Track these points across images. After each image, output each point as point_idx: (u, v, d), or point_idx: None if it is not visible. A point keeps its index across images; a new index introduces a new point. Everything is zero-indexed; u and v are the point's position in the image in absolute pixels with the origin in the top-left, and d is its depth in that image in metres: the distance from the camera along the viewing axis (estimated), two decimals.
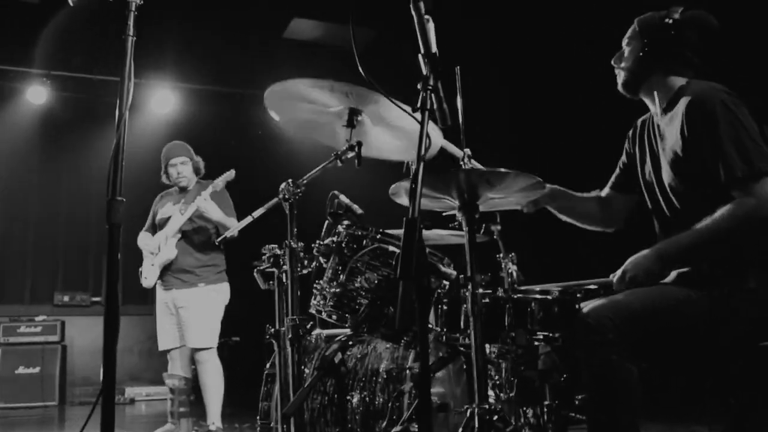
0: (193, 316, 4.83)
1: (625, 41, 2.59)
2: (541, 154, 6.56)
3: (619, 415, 2.10)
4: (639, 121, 2.70)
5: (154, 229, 5.15)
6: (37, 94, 8.29)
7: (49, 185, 9.17)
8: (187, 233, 4.95)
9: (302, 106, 2.57)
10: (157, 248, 4.97)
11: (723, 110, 2.25)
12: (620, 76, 2.60)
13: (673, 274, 2.37)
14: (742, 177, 2.17)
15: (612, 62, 2.63)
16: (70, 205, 9.24)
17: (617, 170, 2.79)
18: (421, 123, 1.68)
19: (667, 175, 2.44)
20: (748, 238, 2.22)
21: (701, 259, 2.27)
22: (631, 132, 2.73)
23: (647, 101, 2.59)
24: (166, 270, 4.94)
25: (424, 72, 1.79)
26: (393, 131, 2.67)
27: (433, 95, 1.76)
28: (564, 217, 2.81)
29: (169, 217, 4.98)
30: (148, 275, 4.99)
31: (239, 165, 5.29)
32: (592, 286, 2.85)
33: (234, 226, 4.35)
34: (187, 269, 4.90)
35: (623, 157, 2.77)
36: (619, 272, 2.33)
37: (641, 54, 2.49)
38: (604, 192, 2.83)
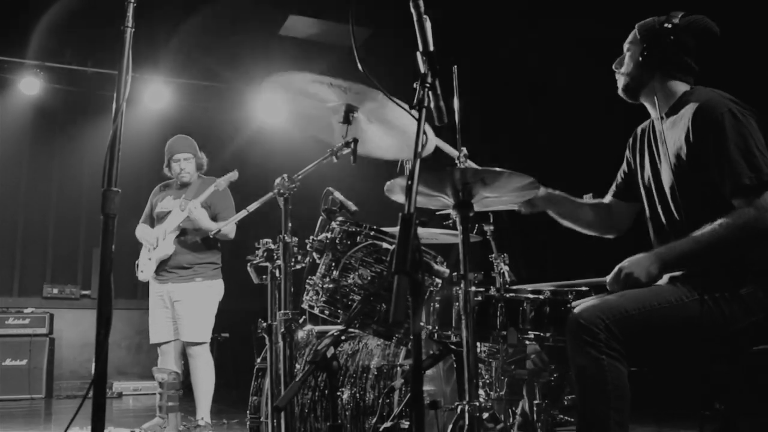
0: (188, 310, 4.84)
1: (626, 46, 2.60)
2: (538, 153, 6.59)
3: (608, 416, 2.11)
4: (639, 129, 2.71)
5: (152, 220, 5.13)
6: (30, 85, 8.25)
7: (40, 177, 9.14)
8: (186, 230, 4.94)
9: (300, 100, 2.58)
10: (155, 243, 4.97)
11: (731, 118, 2.25)
12: (620, 81, 2.61)
13: (666, 277, 2.38)
14: (750, 185, 2.18)
15: (613, 67, 2.64)
16: (61, 198, 9.22)
17: (618, 178, 2.79)
18: (419, 120, 1.68)
19: (667, 180, 2.45)
20: (745, 248, 2.23)
21: (698, 265, 2.28)
22: (631, 140, 2.74)
23: (648, 106, 2.60)
24: (163, 264, 4.94)
25: (422, 70, 1.80)
26: (388, 130, 2.68)
27: (430, 93, 1.77)
28: (565, 222, 2.79)
29: (168, 212, 4.97)
30: (145, 269, 4.99)
31: (234, 160, 5.30)
32: (583, 288, 2.88)
33: (230, 220, 4.35)
34: (184, 265, 4.91)
35: (624, 166, 2.77)
36: (615, 270, 2.32)
37: (640, 59, 2.50)
38: (607, 199, 2.82)
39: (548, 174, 3.05)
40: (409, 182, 1.56)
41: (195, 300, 4.86)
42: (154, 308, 5.00)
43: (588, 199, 2.91)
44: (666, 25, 2.44)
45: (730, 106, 2.29)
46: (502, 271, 3.68)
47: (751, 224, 2.17)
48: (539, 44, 6.47)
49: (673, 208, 2.42)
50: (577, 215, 2.78)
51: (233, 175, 4.95)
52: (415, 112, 1.74)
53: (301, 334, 3.15)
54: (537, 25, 6.46)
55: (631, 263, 2.29)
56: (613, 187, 2.81)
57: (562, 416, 2.93)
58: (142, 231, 5.10)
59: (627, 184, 2.74)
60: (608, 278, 2.34)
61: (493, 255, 3.66)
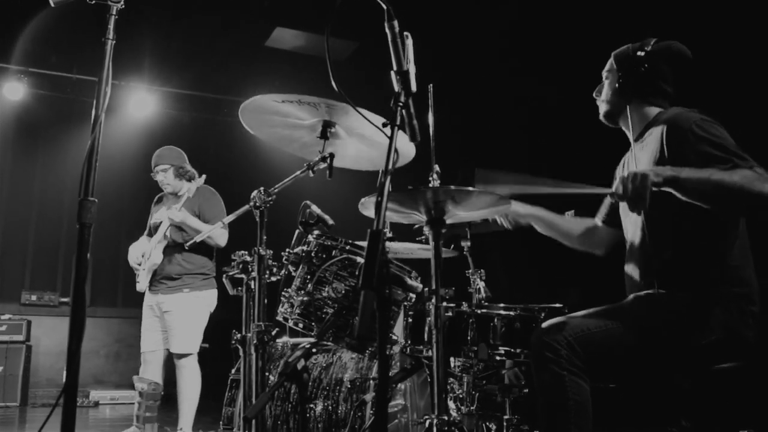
0: (176, 320, 4.84)
1: (604, 74, 2.69)
2: (517, 165, 6.63)
3: (569, 431, 2.14)
4: (624, 158, 2.78)
5: (151, 232, 5.15)
6: (13, 91, 8.22)
7: (21, 182, 9.08)
8: (174, 240, 4.94)
9: (276, 120, 2.61)
10: (143, 254, 5.00)
11: (705, 125, 2.30)
12: (601, 108, 2.70)
13: (631, 296, 2.44)
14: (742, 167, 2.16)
15: (593, 95, 2.74)
16: (42, 204, 9.16)
17: (606, 205, 2.85)
18: (391, 137, 1.72)
19: None
20: (740, 202, 2.18)
21: (699, 199, 2.20)
22: (618, 167, 2.81)
23: (625, 130, 2.68)
24: (155, 274, 4.96)
25: (396, 88, 1.84)
26: (368, 142, 2.72)
27: (403, 111, 1.81)
28: (548, 234, 2.89)
29: (161, 223, 4.99)
30: (141, 279, 5.00)
31: (214, 171, 5.31)
32: (556, 305, 2.92)
33: (204, 232, 4.38)
34: (173, 275, 4.91)
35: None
36: (622, 176, 2.21)
37: (617, 86, 2.59)
38: (595, 221, 2.89)
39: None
40: (379, 198, 1.59)
41: (183, 311, 4.85)
42: (145, 317, 5.04)
43: (569, 215, 2.96)
44: (639, 53, 2.51)
45: (701, 116, 2.35)
46: (478, 287, 3.70)
47: (756, 178, 2.11)
48: (519, 60, 6.55)
49: (643, 224, 2.47)
50: (563, 230, 2.87)
51: (199, 180, 4.98)
52: (387, 130, 1.78)
53: (276, 346, 3.17)
54: (518, 44, 6.53)
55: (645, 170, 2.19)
56: (603, 213, 2.87)
57: None
58: (130, 251, 5.12)
59: (611, 210, 2.80)
60: (615, 185, 2.23)
61: (470, 271, 3.69)
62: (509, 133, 7.00)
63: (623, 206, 2.65)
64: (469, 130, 7.08)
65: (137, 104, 8.59)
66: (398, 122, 1.79)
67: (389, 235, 2.75)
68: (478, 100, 7.15)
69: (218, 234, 4.84)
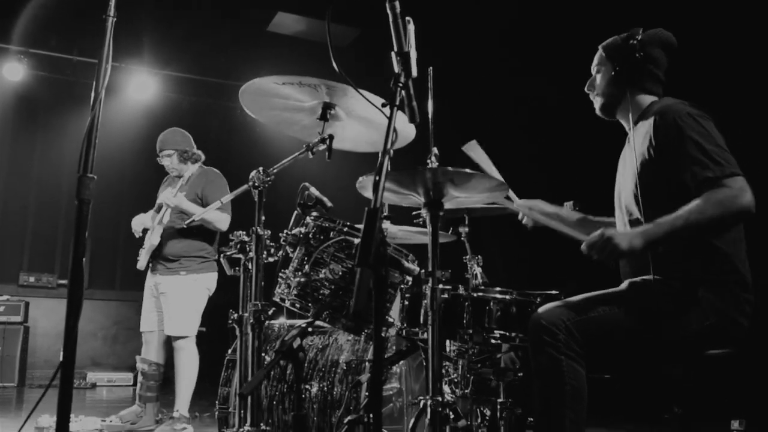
0: (171, 303, 4.86)
1: (594, 68, 2.68)
2: (517, 159, 6.65)
3: (564, 414, 2.16)
4: (624, 151, 2.78)
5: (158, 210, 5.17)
6: (13, 71, 8.19)
7: (20, 164, 9.06)
8: (173, 221, 4.95)
9: (277, 103, 2.61)
10: (140, 230, 5.06)
11: (690, 120, 2.32)
12: (597, 102, 2.69)
13: (626, 283, 2.45)
14: (714, 177, 2.20)
15: (586, 89, 2.72)
16: (41, 186, 9.14)
17: None
18: (389, 117, 1.73)
19: (631, 184, 2.51)
20: (726, 225, 2.26)
21: (683, 241, 2.27)
22: (619, 165, 2.80)
23: (622, 122, 2.67)
24: (154, 255, 4.99)
25: (396, 70, 1.84)
26: (367, 124, 2.73)
27: (403, 92, 1.82)
28: (567, 232, 2.84)
29: (162, 205, 5.01)
30: (141, 258, 5.03)
31: (214, 155, 5.31)
32: (552, 291, 2.93)
33: (199, 212, 4.40)
34: (171, 257, 4.93)
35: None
36: (598, 233, 2.22)
37: (613, 76, 2.58)
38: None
39: (526, 180, 3.11)
40: (377, 178, 1.60)
41: (178, 293, 4.87)
42: (145, 297, 5.08)
43: (569, 206, 2.95)
44: (632, 41, 2.51)
45: (689, 110, 2.36)
46: (475, 272, 3.71)
47: (728, 200, 2.16)
48: (520, 53, 6.55)
49: (636, 210, 2.47)
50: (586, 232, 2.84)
51: (193, 168, 5.08)
52: (387, 111, 1.78)
53: (273, 327, 3.19)
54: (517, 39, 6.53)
55: (616, 232, 2.22)
56: None
57: (531, 419, 2.97)
58: (137, 216, 5.15)
59: None
60: (587, 239, 2.25)
61: (467, 257, 3.70)
62: (509, 126, 7.00)
63: (616, 196, 2.66)
64: (469, 120, 7.08)
65: (138, 87, 8.58)
66: (397, 103, 1.79)
67: (386, 214, 2.75)
68: (478, 95, 7.14)
69: (217, 218, 4.83)
